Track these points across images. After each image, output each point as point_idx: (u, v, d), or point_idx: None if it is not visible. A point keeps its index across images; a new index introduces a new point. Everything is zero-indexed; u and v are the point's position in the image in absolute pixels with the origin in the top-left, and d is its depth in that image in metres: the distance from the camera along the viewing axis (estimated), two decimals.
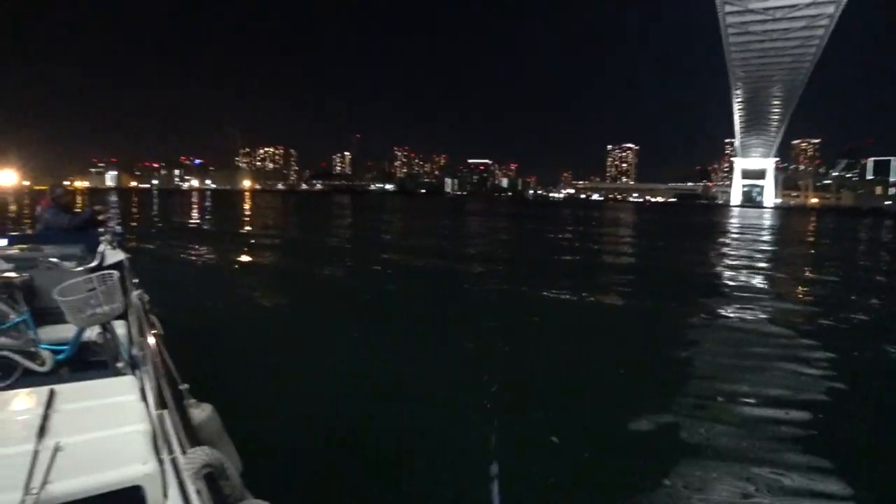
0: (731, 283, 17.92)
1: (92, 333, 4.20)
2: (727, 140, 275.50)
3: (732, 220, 75.68)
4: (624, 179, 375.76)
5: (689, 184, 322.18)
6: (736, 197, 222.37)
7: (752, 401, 7.22)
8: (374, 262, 20.38)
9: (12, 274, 4.45)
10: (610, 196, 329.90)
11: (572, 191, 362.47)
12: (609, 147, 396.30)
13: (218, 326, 10.30)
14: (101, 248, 6.04)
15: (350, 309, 12.28)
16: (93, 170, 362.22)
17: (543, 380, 7.95)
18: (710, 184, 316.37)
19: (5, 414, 2.74)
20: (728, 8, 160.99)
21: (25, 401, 2.87)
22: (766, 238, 43.01)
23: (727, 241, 38.21)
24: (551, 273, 19.10)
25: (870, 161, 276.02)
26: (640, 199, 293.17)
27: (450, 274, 18.21)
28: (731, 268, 22.00)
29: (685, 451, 5.78)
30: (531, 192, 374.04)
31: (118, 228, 7.70)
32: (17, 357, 4.09)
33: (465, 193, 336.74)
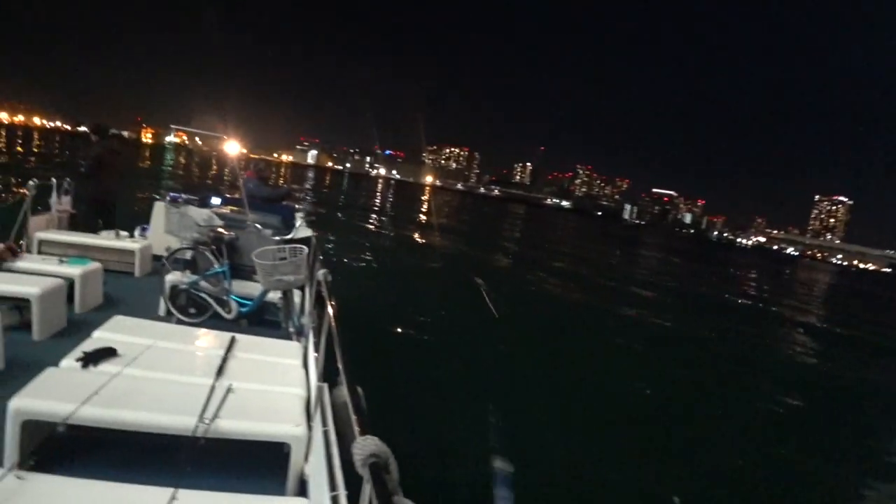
0: None
1: (274, 296, 4.67)
2: None
3: None
4: (828, 236, 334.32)
5: None
6: None
7: None
8: (540, 286, 19.81)
9: (222, 231, 4.95)
10: (808, 252, 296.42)
11: (762, 239, 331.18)
12: (817, 198, 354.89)
13: (387, 315, 10.49)
14: (296, 222, 6.41)
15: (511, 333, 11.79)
16: (298, 147, 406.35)
17: None
18: None
19: (194, 347, 3.23)
20: None
21: (211, 340, 3.31)
22: None
23: None
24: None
25: None
26: (845, 263, 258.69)
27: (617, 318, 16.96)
28: None
29: None
30: (715, 233, 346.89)
31: (309, 207, 8.12)
32: (211, 301, 4.67)
33: (642, 223, 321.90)
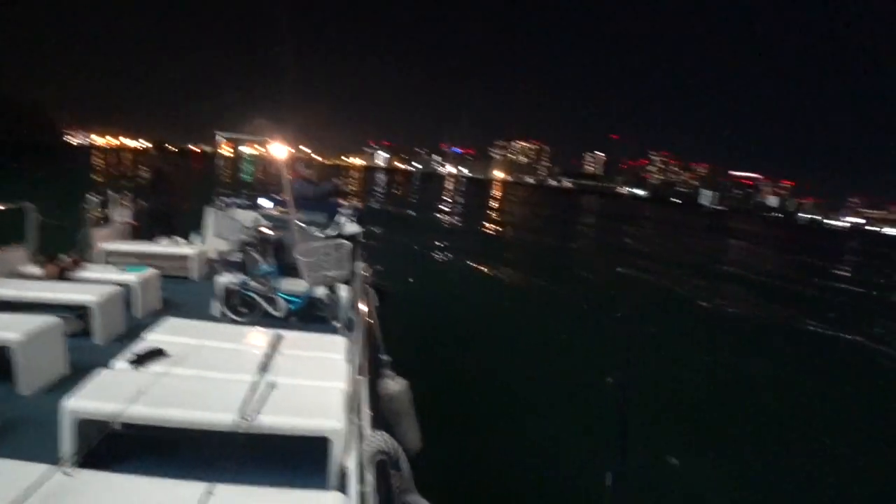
0: None
1: (320, 292, 4.82)
2: None
3: None
4: None
5: None
6: None
7: None
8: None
9: (269, 231, 5.16)
10: None
11: (859, 220, 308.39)
12: None
13: (437, 310, 10.53)
14: (340, 219, 6.58)
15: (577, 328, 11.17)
16: (367, 150, 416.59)
17: None
18: None
19: (240, 345, 3.33)
20: None
21: (258, 338, 3.43)
22: None
23: None
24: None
25: None
26: None
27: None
28: None
29: None
30: (803, 215, 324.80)
31: (359, 204, 8.26)
32: (260, 300, 4.85)
33: (723, 209, 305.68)
